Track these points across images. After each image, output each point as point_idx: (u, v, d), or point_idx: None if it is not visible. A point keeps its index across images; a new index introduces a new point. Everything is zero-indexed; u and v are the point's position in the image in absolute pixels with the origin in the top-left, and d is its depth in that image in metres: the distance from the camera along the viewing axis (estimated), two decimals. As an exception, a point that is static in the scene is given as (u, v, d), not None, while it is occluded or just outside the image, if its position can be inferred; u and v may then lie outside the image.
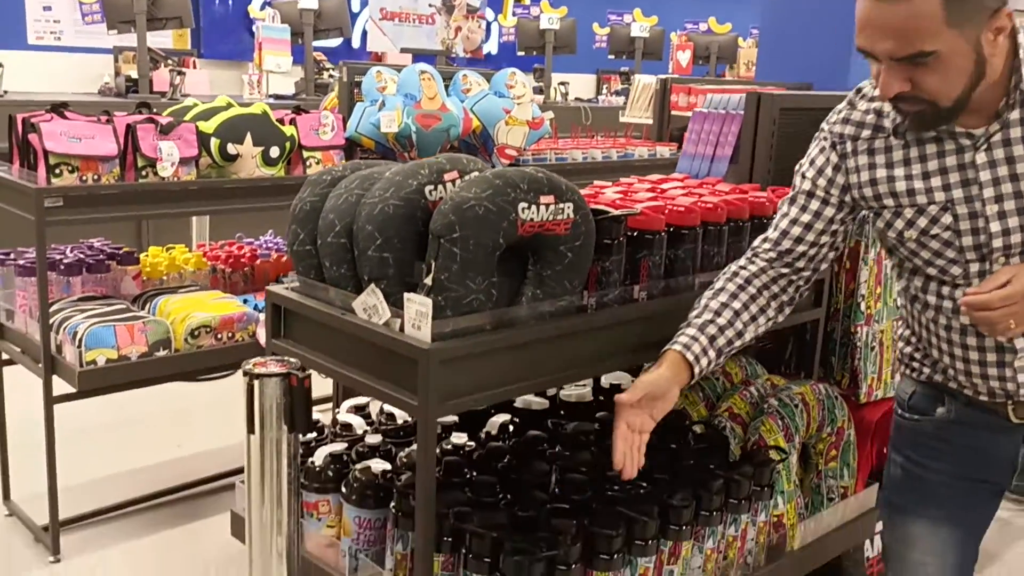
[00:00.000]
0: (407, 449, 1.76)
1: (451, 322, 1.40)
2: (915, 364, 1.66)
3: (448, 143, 3.34)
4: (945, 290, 1.51)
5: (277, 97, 6.14)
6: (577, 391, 2.04)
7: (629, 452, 1.49)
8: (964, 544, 1.67)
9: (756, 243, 1.66)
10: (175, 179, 2.70)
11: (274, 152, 2.99)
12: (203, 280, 3.22)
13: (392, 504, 1.58)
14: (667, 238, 1.73)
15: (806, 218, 1.59)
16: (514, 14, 9.08)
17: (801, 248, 1.60)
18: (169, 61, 5.85)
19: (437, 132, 3.22)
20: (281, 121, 3.07)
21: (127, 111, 2.80)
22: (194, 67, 6.87)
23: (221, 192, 2.86)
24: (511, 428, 1.91)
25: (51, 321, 2.55)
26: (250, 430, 1.40)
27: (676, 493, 1.62)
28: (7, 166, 2.68)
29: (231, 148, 2.87)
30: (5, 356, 2.81)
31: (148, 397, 2.94)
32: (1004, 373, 1.51)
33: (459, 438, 1.79)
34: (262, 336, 2.82)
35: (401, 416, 1.97)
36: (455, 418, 1.92)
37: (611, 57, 9.12)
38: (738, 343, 1.59)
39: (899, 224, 1.50)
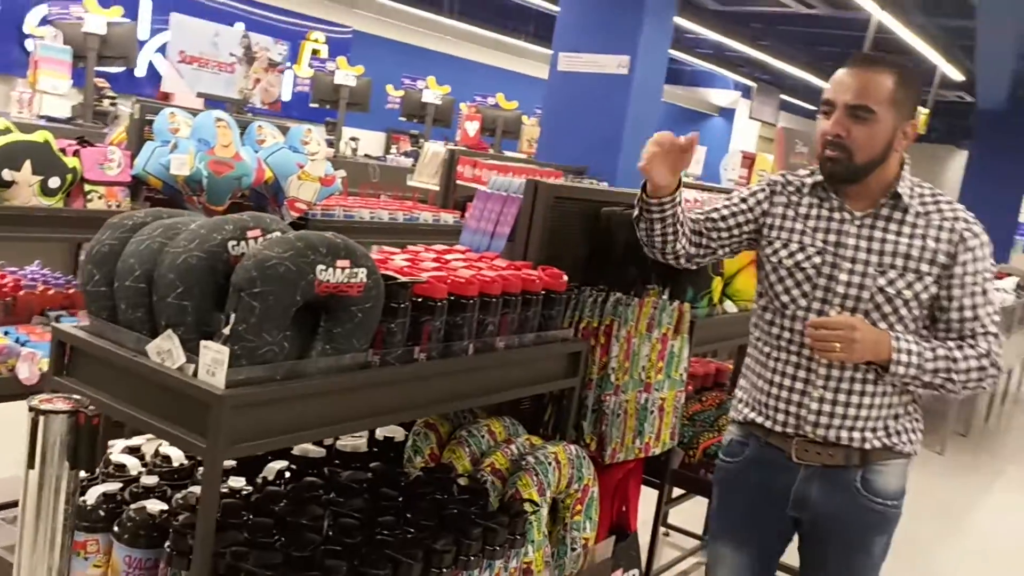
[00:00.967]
0: (184, 491, 1.81)
1: (245, 370, 1.50)
2: (740, 406, 2.24)
3: (239, 191, 3.38)
4: (785, 323, 2.12)
5: (50, 119, 5.85)
6: (352, 441, 2.16)
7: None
8: (759, 563, 2.25)
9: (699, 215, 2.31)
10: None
11: (54, 182, 2.92)
12: (-43, 308, 3.04)
13: (168, 544, 1.62)
14: (448, 306, 1.91)
15: (727, 212, 2.25)
16: (311, 66, 9.15)
17: (714, 224, 2.26)
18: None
19: (229, 180, 3.27)
20: (64, 151, 3.00)
21: None
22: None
23: (-11, 218, 2.76)
24: (287, 474, 1.99)
25: None
26: (30, 465, 1.41)
27: (439, 539, 1.77)
28: None
29: (6, 174, 2.78)
30: None
31: None
32: (802, 401, 2.08)
33: (237, 482, 1.86)
34: (23, 371, 2.71)
35: (177, 458, 2.00)
36: (233, 462, 1.98)
37: (403, 119, 9.39)
38: (681, 217, 2.23)
39: (784, 252, 2.14)
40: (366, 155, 9.09)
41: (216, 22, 9.16)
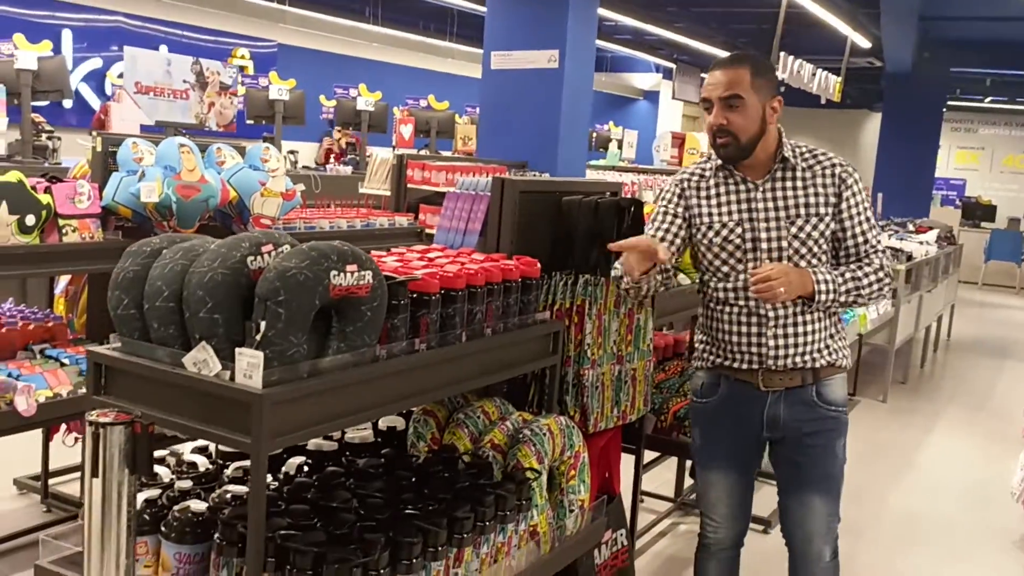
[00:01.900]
0: (219, 490, 1.96)
1: (277, 371, 1.66)
2: (706, 355, 2.60)
3: (207, 213, 3.51)
4: (729, 284, 2.49)
5: (-10, 158, 5.84)
6: (360, 433, 2.33)
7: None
8: (744, 481, 2.65)
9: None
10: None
11: (30, 220, 3.02)
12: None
13: (217, 535, 1.78)
14: (440, 299, 2.09)
15: (664, 229, 2.55)
16: (242, 83, 9.19)
17: (663, 235, 2.55)
18: None
19: (197, 203, 3.39)
20: (35, 189, 3.09)
21: None
22: None
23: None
24: (306, 468, 2.16)
25: None
26: (94, 474, 1.56)
27: (458, 508, 1.96)
28: None
29: (-14, 217, 2.87)
30: None
31: None
32: (760, 340, 2.47)
33: (264, 478, 2.02)
34: (20, 404, 2.82)
35: (202, 464, 2.15)
36: (247, 462, 2.13)
37: (338, 128, 9.48)
38: (659, 277, 2.50)
39: (710, 233, 2.50)
40: (304, 167, 9.16)
41: (140, 47, 9.15)
